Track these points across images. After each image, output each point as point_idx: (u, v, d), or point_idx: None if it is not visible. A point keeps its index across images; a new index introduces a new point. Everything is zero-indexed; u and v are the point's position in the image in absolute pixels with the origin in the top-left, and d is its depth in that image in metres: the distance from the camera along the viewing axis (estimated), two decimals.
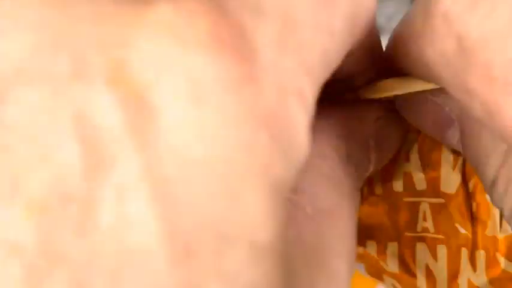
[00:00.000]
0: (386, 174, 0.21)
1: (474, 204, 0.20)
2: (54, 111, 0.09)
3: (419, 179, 0.21)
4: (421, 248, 0.21)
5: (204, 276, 0.10)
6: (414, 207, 0.21)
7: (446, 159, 0.20)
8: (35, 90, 0.09)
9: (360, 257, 0.23)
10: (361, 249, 0.22)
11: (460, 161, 0.20)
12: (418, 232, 0.21)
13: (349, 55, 0.13)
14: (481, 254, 0.20)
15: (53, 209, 0.09)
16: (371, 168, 0.19)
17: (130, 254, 0.09)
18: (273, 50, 0.11)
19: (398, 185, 0.21)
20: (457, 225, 0.21)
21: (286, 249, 0.11)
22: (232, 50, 0.10)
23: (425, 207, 0.21)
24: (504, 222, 0.20)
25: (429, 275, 0.21)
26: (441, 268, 0.21)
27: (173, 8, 0.10)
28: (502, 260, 0.20)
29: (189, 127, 0.10)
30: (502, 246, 0.20)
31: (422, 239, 0.21)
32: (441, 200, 0.21)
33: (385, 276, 0.22)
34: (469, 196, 0.20)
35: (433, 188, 0.21)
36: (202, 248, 0.10)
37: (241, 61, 0.10)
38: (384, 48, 0.17)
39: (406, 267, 0.22)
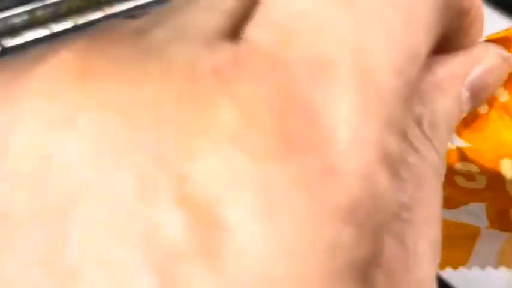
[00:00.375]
0: None
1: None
2: (123, 233, 0.09)
3: None
4: None
5: None
6: None
7: None
8: (99, 209, 0.09)
9: None
10: None
11: None
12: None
13: None
14: None
15: None
16: None
17: None
18: (351, 122, 0.10)
19: None
20: None
21: None
22: (303, 146, 0.10)
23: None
24: None
25: None
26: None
27: (238, 113, 0.10)
28: None
29: (264, 245, 0.09)
30: None
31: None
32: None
33: None
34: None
35: None
36: None
37: (313, 155, 0.09)
38: None
39: None
